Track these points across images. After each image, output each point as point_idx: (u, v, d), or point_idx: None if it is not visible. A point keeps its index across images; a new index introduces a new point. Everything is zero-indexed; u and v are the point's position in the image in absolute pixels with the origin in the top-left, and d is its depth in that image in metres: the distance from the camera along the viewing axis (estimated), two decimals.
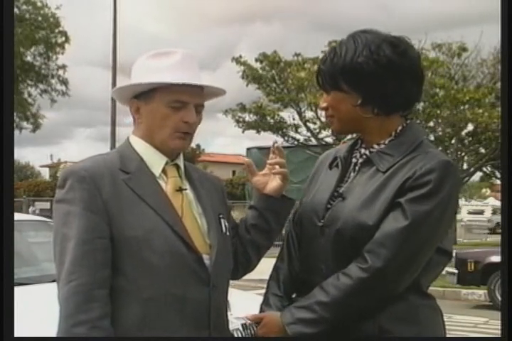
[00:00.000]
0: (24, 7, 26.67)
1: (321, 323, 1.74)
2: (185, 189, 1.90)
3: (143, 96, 1.86)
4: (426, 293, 1.83)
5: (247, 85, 21.78)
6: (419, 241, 1.72)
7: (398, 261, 1.70)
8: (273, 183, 2.01)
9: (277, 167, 2.00)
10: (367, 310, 1.73)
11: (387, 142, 1.85)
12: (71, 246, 1.71)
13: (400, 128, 1.86)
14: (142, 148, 1.88)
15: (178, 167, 1.93)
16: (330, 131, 21.99)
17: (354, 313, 1.73)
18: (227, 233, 1.94)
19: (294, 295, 1.92)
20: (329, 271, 1.78)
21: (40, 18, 27.07)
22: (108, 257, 1.72)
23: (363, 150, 1.89)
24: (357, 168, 1.88)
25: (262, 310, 1.94)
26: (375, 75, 1.78)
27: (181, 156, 1.95)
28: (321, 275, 1.80)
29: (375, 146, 1.86)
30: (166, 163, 1.89)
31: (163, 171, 1.88)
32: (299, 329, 1.75)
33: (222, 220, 1.94)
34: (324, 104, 1.89)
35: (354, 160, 1.90)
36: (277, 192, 2.00)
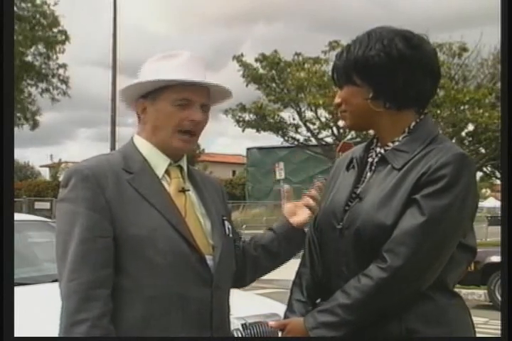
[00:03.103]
0: (23, 5, 26.53)
1: (345, 326, 1.70)
2: (188, 190, 1.91)
3: (151, 95, 1.87)
4: (453, 291, 1.80)
5: (247, 85, 21.81)
6: (438, 237, 1.68)
7: (418, 259, 1.67)
8: (301, 216, 2.03)
9: (311, 201, 2.02)
10: (391, 310, 1.70)
11: (401, 139, 1.83)
12: (73, 245, 1.71)
13: (413, 123, 1.84)
14: (146, 148, 1.89)
15: (181, 168, 1.93)
16: (330, 130, 22.09)
17: (378, 314, 1.70)
18: (230, 235, 1.95)
19: (318, 300, 1.89)
20: (351, 273, 1.75)
21: (38, 15, 26.94)
22: (110, 256, 1.73)
23: (378, 149, 1.88)
24: (373, 167, 1.85)
25: (286, 317, 1.89)
26: (386, 69, 1.77)
27: (185, 158, 1.96)
28: (343, 279, 1.77)
29: (390, 144, 1.84)
30: (170, 164, 1.90)
31: (167, 172, 1.89)
32: (322, 334, 1.72)
33: (225, 222, 1.95)
34: (338, 100, 1.88)
35: (370, 159, 1.88)
36: (301, 226, 2.03)
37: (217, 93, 1.93)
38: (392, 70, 1.77)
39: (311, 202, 2.02)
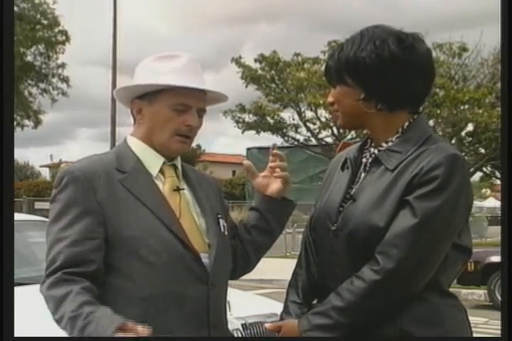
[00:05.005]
0: (23, 5, 26.51)
1: (338, 328, 1.70)
2: (183, 189, 1.91)
3: (147, 97, 1.87)
4: (447, 292, 1.78)
5: (246, 86, 21.83)
6: (431, 239, 1.67)
7: (411, 261, 1.66)
8: (274, 186, 2.00)
9: (278, 170, 2.00)
10: (385, 312, 1.69)
11: (394, 139, 1.81)
12: (62, 247, 1.72)
13: (406, 124, 1.82)
14: (140, 148, 1.89)
15: (175, 167, 1.94)
16: (330, 130, 22.11)
17: (372, 316, 1.70)
18: (226, 233, 1.95)
19: (314, 302, 1.89)
20: (346, 275, 1.74)
21: (38, 16, 26.94)
22: (100, 258, 1.73)
23: (372, 150, 1.86)
24: (367, 168, 1.84)
25: (281, 319, 1.89)
26: (378, 70, 1.76)
27: (179, 157, 1.95)
28: (338, 280, 1.76)
29: (384, 144, 1.83)
30: (164, 164, 1.90)
31: (161, 171, 1.89)
32: (316, 336, 1.72)
33: (220, 220, 1.95)
34: (331, 99, 1.87)
35: (364, 160, 1.87)
36: (279, 194, 2.00)
37: (214, 96, 1.94)
38: (384, 72, 1.76)
39: (277, 170, 1.99)
